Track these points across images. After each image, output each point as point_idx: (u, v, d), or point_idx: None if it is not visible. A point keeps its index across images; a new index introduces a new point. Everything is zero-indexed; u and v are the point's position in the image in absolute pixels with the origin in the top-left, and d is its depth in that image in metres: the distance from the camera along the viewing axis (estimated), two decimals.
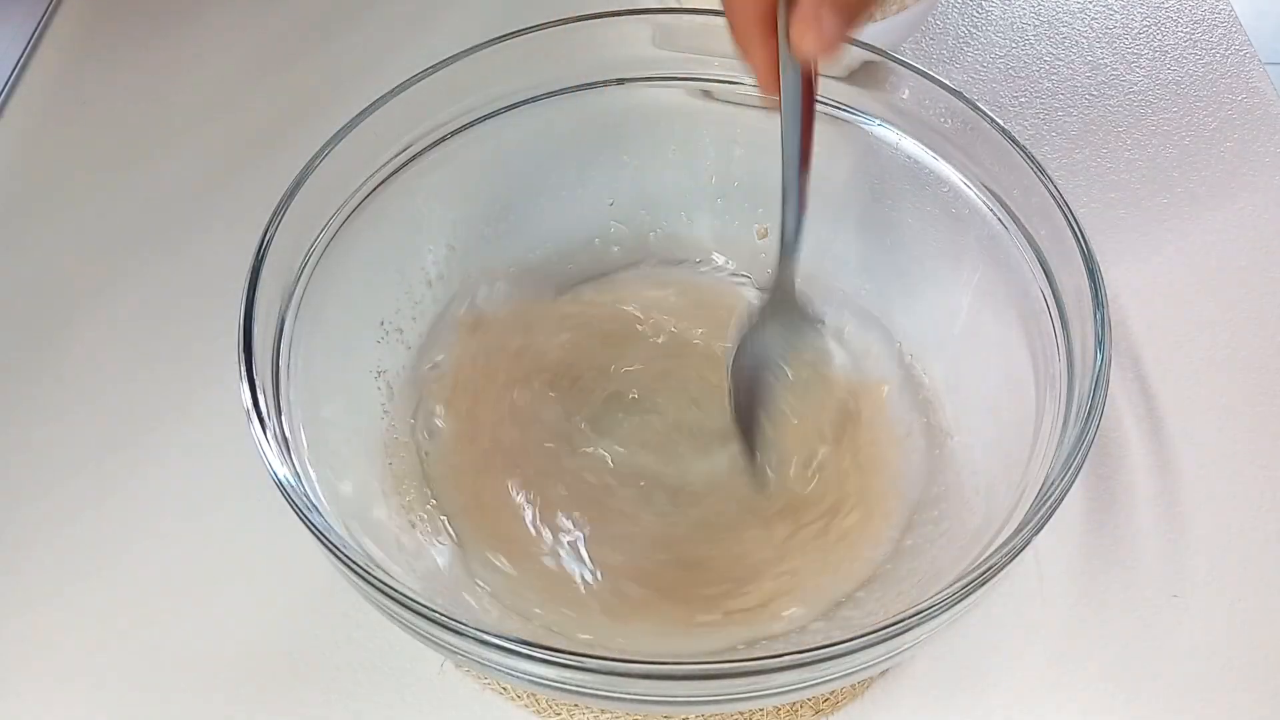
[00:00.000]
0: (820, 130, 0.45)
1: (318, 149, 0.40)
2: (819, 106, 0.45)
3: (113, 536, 0.45)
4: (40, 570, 0.44)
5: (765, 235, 0.49)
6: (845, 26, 0.33)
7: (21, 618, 0.43)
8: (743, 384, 0.43)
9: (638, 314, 0.48)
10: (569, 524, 0.42)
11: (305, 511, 0.33)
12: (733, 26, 0.35)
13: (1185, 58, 0.61)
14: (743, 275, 0.50)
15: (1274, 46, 1.51)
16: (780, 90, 0.36)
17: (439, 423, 0.45)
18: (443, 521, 0.42)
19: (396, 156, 0.43)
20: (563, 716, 0.40)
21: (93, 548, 0.45)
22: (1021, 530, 0.33)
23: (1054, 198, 0.39)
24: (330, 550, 0.32)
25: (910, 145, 0.44)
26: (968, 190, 0.43)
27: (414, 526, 0.41)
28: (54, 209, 0.56)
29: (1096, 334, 0.36)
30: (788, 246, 0.40)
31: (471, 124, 0.45)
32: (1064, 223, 0.38)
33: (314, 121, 0.58)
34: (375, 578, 0.31)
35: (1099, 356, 0.35)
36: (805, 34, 0.33)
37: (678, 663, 0.30)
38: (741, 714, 0.40)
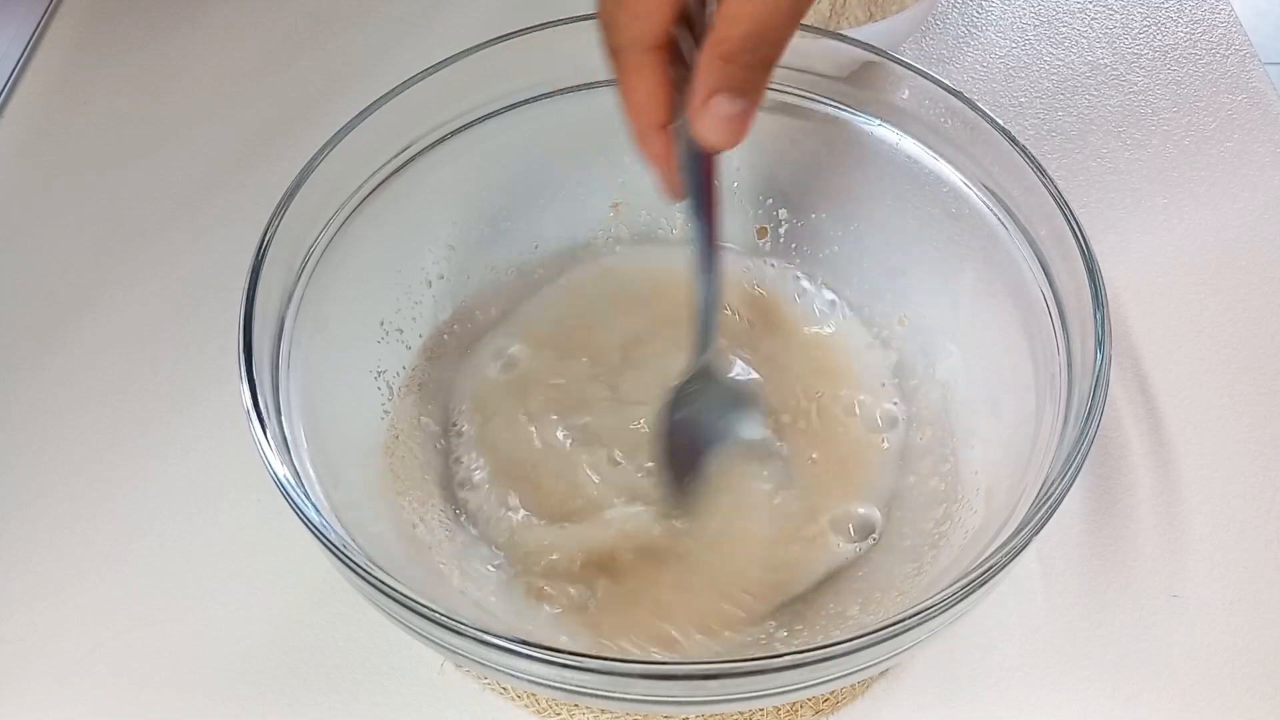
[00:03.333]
0: (820, 130, 0.46)
1: (318, 149, 0.40)
2: (819, 107, 0.45)
3: (113, 536, 0.45)
4: (40, 570, 0.44)
5: (765, 235, 0.49)
6: (743, 103, 0.31)
7: (21, 618, 0.43)
8: (676, 438, 0.42)
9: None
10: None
11: (305, 511, 0.33)
12: (634, 132, 0.34)
13: (1185, 58, 0.61)
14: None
15: (1274, 46, 1.52)
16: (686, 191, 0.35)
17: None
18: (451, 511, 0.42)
19: (396, 156, 0.43)
20: (563, 716, 0.40)
21: (93, 548, 0.45)
22: (1021, 530, 0.33)
23: (1054, 198, 0.39)
24: (330, 550, 0.32)
25: (910, 145, 0.44)
26: (968, 190, 0.43)
27: (414, 527, 0.41)
28: (54, 209, 0.56)
29: (1096, 334, 0.36)
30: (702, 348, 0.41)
31: (471, 124, 0.44)
32: (1064, 223, 0.38)
33: (314, 121, 0.58)
34: (375, 578, 0.31)
35: (1099, 356, 0.35)
36: (701, 123, 0.31)
37: (678, 663, 0.30)
38: (741, 714, 0.40)
